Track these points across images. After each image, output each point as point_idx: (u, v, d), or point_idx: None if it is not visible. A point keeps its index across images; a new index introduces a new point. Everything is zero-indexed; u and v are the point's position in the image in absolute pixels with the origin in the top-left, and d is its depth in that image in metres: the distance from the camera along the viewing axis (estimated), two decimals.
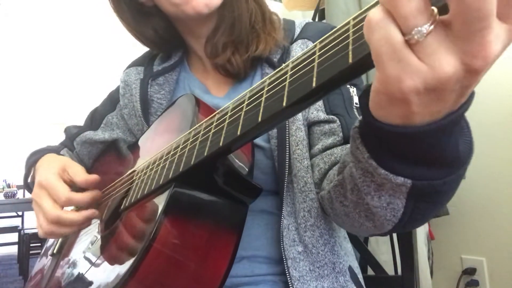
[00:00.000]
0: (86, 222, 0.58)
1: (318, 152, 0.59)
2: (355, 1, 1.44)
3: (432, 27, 0.22)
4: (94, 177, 0.61)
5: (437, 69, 0.22)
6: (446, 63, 0.22)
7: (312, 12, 1.75)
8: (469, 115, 0.29)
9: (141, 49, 0.80)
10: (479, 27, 0.20)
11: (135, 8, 0.68)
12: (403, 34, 0.23)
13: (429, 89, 0.23)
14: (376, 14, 0.23)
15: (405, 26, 0.22)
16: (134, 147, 0.68)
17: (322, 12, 1.62)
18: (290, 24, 0.69)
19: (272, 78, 0.33)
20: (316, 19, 1.66)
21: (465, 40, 0.21)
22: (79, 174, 0.61)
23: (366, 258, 0.91)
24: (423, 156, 0.31)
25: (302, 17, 2.09)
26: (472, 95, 0.27)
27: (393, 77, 0.23)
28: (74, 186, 0.66)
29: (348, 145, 0.38)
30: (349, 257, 0.63)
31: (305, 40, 0.64)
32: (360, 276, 0.63)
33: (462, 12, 0.20)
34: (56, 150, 0.81)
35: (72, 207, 0.72)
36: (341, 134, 0.57)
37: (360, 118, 0.34)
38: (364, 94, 0.30)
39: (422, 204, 0.35)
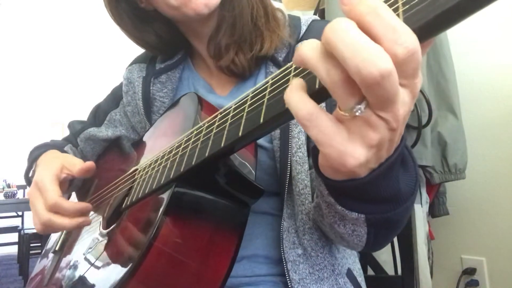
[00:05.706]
0: (77, 228, 0.59)
1: None
2: None
3: (364, 105, 0.24)
4: (88, 163, 0.64)
5: (368, 141, 0.26)
6: (374, 132, 0.26)
7: (312, 12, 1.75)
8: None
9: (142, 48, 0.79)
10: (391, 101, 0.24)
11: (134, 15, 0.67)
12: (341, 110, 0.26)
13: (368, 158, 0.27)
14: (306, 108, 0.26)
15: (345, 105, 0.25)
16: (137, 145, 0.68)
17: (322, 12, 1.62)
18: (295, 20, 0.67)
19: (275, 78, 0.33)
20: None
21: (384, 112, 0.25)
22: (77, 165, 0.63)
23: (366, 258, 0.91)
24: (368, 196, 0.35)
25: None
26: (402, 137, 0.31)
27: (335, 158, 0.27)
28: (74, 183, 0.66)
29: None
30: (348, 260, 0.63)
31: None
32: (361, 279, 0.63)
33: (378, 98, 0.23)
34: (59, 146, 0.81)
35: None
36: None
37: None
38: (314, 151, 0.34)
39: (382, 231, 0.41)
